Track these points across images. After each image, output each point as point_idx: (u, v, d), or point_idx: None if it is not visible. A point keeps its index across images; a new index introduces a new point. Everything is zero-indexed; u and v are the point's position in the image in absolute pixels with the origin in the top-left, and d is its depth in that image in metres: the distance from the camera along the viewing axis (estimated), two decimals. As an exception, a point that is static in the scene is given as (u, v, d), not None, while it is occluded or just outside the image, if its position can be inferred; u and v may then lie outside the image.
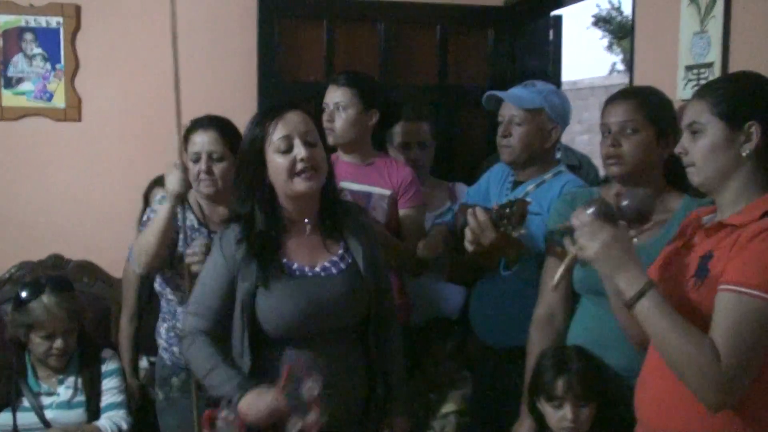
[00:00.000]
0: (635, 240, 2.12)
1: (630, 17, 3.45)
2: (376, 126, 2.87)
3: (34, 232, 3.68)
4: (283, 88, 3.77)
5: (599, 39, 18.14)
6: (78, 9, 3.71)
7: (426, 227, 2.92)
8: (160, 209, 2.49)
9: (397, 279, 2.79)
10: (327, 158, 2.14)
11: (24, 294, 2.69)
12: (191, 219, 2.58)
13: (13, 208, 3.70)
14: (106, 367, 2.77)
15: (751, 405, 1.58)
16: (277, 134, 2.06)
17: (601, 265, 1.65)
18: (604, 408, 2.11)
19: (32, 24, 3.67)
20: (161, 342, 2.68)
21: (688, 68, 2.66)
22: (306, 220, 2.14)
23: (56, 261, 3.55)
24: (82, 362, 2.75)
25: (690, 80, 2.64)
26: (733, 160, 1.65)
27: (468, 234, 2.35)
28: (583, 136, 11.43)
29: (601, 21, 16.58)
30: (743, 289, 1.52)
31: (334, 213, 2.17)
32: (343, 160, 2.84)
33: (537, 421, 2.21)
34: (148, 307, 3.11)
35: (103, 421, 2.69)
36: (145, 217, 2.69)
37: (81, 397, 2.71)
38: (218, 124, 2.59)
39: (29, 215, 3.70)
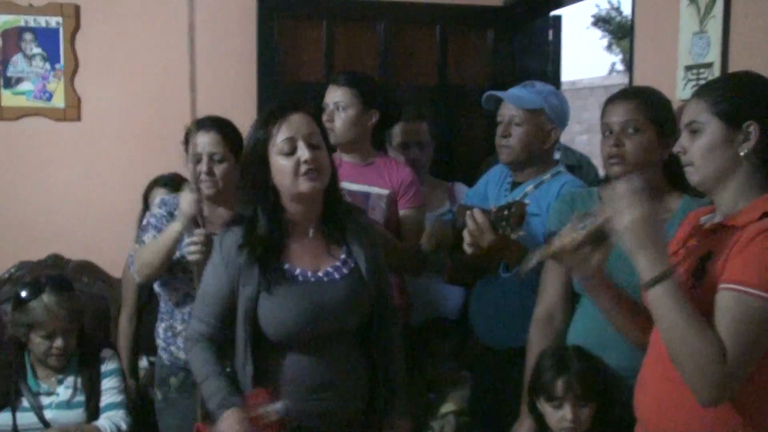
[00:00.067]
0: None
1: (629, 17, 3.45)
2: (376, 126, 2.87)
3: (34, 232, 3.68)
4: (282, 88, 3.77)
5: (599, 39, 18.20)
6: (77, 9, 3.71)
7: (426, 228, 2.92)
8: (170, 228, 2.49)
9: (397, 279, 2.79)
10: (330, 160, 2.14)
11: (24, 293, 2.69)
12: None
13: (12, 208, 3.70)
14: (105, 367, 2.76)
15: (751, 405, 1.58)
16: (280, 136, 2.06)
17: (628, 237, 1.61)
18: (604, 408, 2.11)
19: (32, 24, 3.67)
20: (159, 342, 2.68)
21: (688, 68, 2.66)
22: (309, 224, 2.13)
23: (56, 261, 3.56)
24: (82, 362, 2.74)
25: (689, 80, 2.64)
26: (732, 160, 1.65)
27: (467, 236, 2.35)
28: (582, 136, 11.43)
29: (600, 21, 16.59)
30: (744, 288, 1.52)
31: (337, 216, 2.16)
32: (342, 160, 2.84)
33: (537, 421, 2.21)
34: (148, 306, 3.12)
35: (103, 421, 2.69)
36: (144, 221, 2.68)
37: (80, 397, 2.70)
38: (219, 126, 2.59)
39: (29, 215, 3.71)
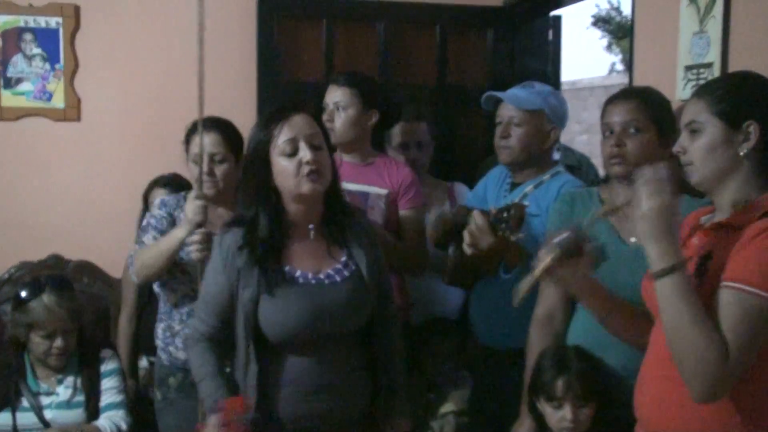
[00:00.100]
0: (633, 240, 2.14)
1: (629, 17, 3.45)
2: (376, 126, 2.87)
3: (34, 232, 3.68)
4: (282, 88, 3.77)
5: (598, 39, 18.19)
6: (77, 9, 3.71)
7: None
8: (173, 233, 2.48)
9: (397, 279, 2.79)
10: (332, 161, 2.14)
11: (24, 293, 2.69)
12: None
13: (12, 208, 3.70)
14: (105, 367, 2.76)
15: (750, 405, 1.58)
16: (282, 137, 2.05)
17: (643, 224, 1.61)
18: (604, 408, 2.11)
19: (31, 24, 3.67)
20: (158, 342, 2.69)
21: (688, 68, 2.66)
22: (310, 226, 2.13)
23: (56, 261, 3.56)
24: (82, 362, 2.74)
25: (689, 80, 2.64)
26: (732, 160, 1.65)
27: (466, 236, 2.35)
28: (582, 136, 11.44)
29: (600, 21, 16.59)
30: (745, 287, 1.52)
31: (338, 218, 2.16)
32: (342, 160, 2.84)
33: (537, 421, 2.21)
34: (148, 307, 3.12)
35: (103, 421, 2.68)
36: (144, 222, 2.68)
37: (80, 397, 2.70)
38: (220, 126, 2.59)
39: (29, 215, 3.70)
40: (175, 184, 3.13)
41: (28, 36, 3.67)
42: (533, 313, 2.33)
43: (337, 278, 2.11)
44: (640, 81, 2.85)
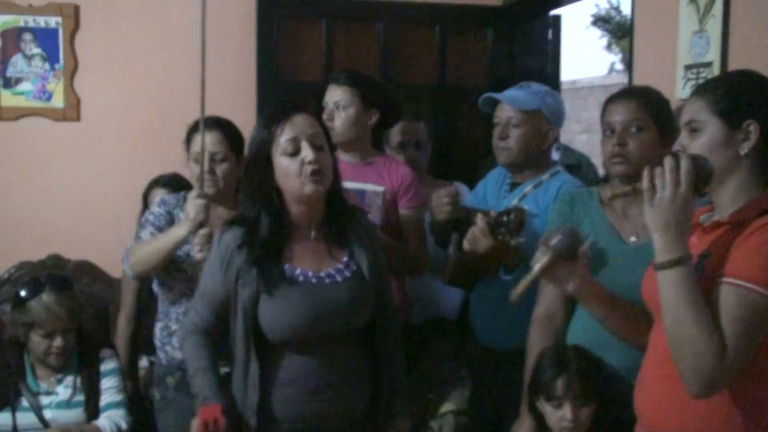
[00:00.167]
0: (633, 239, 2.14)
1: (629, 17, 3.45)
2: (376, 126, 2.87)
3: (34, 232, 3.68)
4: (282, 88, 3.77)
5: (598, 38, 18.22)
6: (77, 9, 3.71)
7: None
8: (173, 231, 2.47)
9: (396, 278, 2.79)
10: (334, 161, 2.13)
11: (24, 293, 2.69)
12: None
13: (12, 208, 3.70)
14: (105, 367, 2.76)
15: (751, 403, 1.58)
16: (284, 137, 2.05)
17: (654, 213, 1.60)
18: (604, 408, 2.11)
19: (31, 24, 3.67)
20: (156, 342, 2.69)
21: (687, 67, 2.66)
22: (311, 225, 2.13)
23: (55, 261, 3.56)
24: (81, 362, 2.74)
25: (689, 79, 2.64)
26: (731, 159, 1.65)
27: (468, 234, 2.35)
28: (582, 135, 11.44)
29: (600, 20, 16.58)
30: (744, 284, 1.52)
31: (339, 218, 2.16)
32: (342, 159, 2.84)
33: (536, 420, 2.21)
34: (148, 307, 3.11)
35: (102, 421, 2.68)
36: (143, 218, 2.69)
37: (80, 397, 2.70)
38: (221, 125, 2.59)
39: (28, 215, 3.71)
40: (175, 183, 3.13)
41: (27, 36, 3.67)
42: (533, 312, 2.33)
43: (338, 278, 2.11)
44: (639, 80, 2.85)
